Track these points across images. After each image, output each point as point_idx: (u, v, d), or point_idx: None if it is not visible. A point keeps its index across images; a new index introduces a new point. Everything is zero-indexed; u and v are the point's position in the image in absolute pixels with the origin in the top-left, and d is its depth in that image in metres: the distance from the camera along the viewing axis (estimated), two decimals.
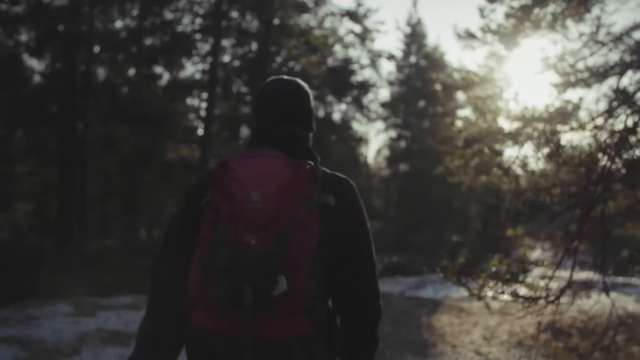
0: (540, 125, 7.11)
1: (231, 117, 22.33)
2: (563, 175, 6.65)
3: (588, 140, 6.54)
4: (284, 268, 1.51)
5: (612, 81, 7.26)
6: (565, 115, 7.42)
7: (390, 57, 28.71)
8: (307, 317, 1.58)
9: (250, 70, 20.98)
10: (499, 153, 8.47)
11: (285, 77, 1.94)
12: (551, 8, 7.46)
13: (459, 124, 10.44)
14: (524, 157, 7.17)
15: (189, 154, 21.49)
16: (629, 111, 6.47)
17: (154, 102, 18.99)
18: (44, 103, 16.98)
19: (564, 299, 6.27)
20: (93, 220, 21.41)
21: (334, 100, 26.77)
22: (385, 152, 32.93)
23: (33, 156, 18.12)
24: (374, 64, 27.13)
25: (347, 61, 25.39)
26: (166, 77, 21.70)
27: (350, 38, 24.28)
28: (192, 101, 23.39)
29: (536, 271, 6.71)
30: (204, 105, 21.21)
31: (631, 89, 6.92)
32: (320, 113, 26.68)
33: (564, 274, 6.72)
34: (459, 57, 36.30)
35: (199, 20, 19.65)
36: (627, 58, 7.05)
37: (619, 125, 6.51)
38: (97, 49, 18.37)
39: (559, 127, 6.93)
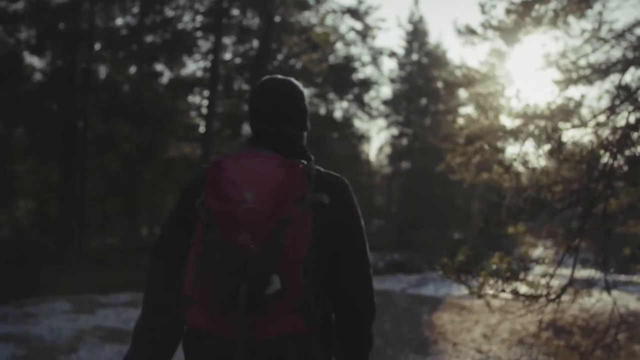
0: (542, 123, 7.07)
1: (232, 114, 22.32)
2: (564, 172, 6.61)
3: (590, 137, 6.50)
4: (277, 267, 1.52)
5: (614, 78, 7.23)
6: (567, 112, 7.38)
7: (392, 54, 28.65)
8: (301, 316, 1.58)
9: (251, 68, 20.97)
10: (501, 150, 8.44)
11: (279, 76, 1.96)
12: (553, 4, 7.43)
13: (460, 121, 10.42)
14: (525, 154, 7.13)
15: (191, 152, 21.48)
16: (631, 108, 6.43)
17: (155, 100, 19.00)
18: (45, 101, 16.99)
19: (565, 297, 6.23)
20: (94, 218, 21.42)
21: (335, 97, 26.73)
22: (387, 150, 32.87)
23: (33, 154, 18.12)
24: (375, 61, 27.10)
25: (349, 59, 25.35)
26: (167, 74, 21.69)
27: (351, 35, 24.24)
28: (193, 99, 23.46)
29: (537, 269, 6.67)
30: (205, 102, 21.22)
31: (633, 85, 6.87)
32: (322, 111, 26.66)
33: (566, 271, 6.68)
34: (461, 54, 36.36)
35: (199, 18, 19.66)
36: (630, 55, 7.02)
37: (621, 122, 6.47)
38: (97, 46, 18.35)
39: (561, 125, 6.89)
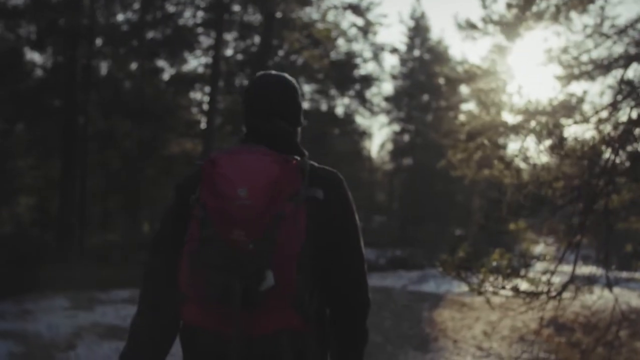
0: (544, 119, 7.03)
1: (234, 110, 22.26)
2: (566, 168, 6.57)
3: (591, 133, 6.46)
4: (271, 264, 1.52)
5: (616, 74, 7.19)
6: (569, 108, 7.34)
7: (394, 50, 28.58)
8: (296, 311, 1.59)
9: (252, 64, 20.90)
10: (502, 147, 8.41)
11: (273, 72, 1.97)
12: None
13: (462, 117, 10.40)
14: (526, 150, 7.09)
15: (192, 148, 21.46)
16: (633, 104, 6.39)
17: (156, 96, 18.99)
18: (45, 97, 16.96)
19: (566, 294, 6.20)
20: (94, 214, 21.41)
21: (337, 94, 26.71)
22: (389, 146, 32.81)
23: (34, 150, 18.11)
24: (377, 57, 27.01)
25: (350, 55, 25.31)
26: (168, 71, 21.66)
27: (353, 31, 24.14)
28: (194, 95, 23.45)
29: (538, 266, 6.64)
30: (206, 99, 21.19)
31: (636, 81, 6.84)
32: (323, 107, 26.66)
33: (567, 268, 6.65)
34: (463, 50, 36.28)
35: (201, 14, 19.61)
36: (632, 50, 6.97)
37: (623, 118, 6.43)
38: (98, 42, 18.32)
39: (563, 121, 6.85)
